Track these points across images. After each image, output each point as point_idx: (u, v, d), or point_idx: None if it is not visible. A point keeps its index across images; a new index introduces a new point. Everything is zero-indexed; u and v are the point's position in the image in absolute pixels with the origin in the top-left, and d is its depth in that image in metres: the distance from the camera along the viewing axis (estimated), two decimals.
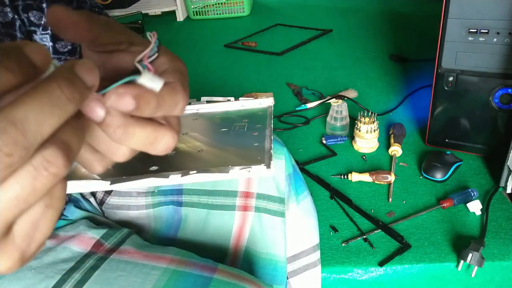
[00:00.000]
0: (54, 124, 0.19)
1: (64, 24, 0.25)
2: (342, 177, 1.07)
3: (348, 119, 1.26)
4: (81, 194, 0.67)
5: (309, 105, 1.44)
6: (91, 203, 0.66)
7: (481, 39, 0.97)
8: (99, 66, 0.28)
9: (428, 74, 1.33)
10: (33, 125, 0.18)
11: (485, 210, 0.92)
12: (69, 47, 0.58)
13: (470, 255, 0.79)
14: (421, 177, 1.06)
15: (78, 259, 0.49)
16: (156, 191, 0.64)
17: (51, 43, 0.57)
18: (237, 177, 0.39)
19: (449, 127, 1.11)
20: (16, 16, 0.52)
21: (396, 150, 1.13)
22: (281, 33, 2.33)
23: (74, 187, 0.40)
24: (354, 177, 1.05)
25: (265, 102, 0.62)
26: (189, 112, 0.66)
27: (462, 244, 0.84)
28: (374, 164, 1.13)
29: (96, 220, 0.63)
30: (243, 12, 2.71)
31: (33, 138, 0.19)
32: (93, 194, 0.65)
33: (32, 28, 0.55)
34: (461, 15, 0.97)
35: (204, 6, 2.69)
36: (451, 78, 1.04)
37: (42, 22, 0.55)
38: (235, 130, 0.55)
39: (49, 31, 0.56)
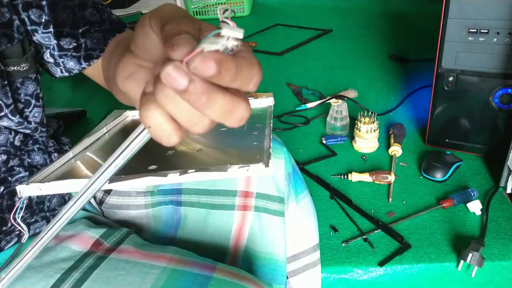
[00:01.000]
0: None
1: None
2: (342, 177, 1.07)
3: (348, 119, 1.26)
4: None
5: (309, 105, 1.44)
6: (90, 202, 0.66)
7: (481, 39, 0.97)
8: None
9: (428, 74, 1.33)
10: None
11: (485, 210, 0.92)
12: (74, 44, 0.57)
13: (470, 255, 0.79)
14: (421, 177, 1.06)
15: (77, 258, 0.49)
16: (155, 190, 0.64)
17: (55, 41, 0.56)
18: (235, 175, 0.39)
19: (449, 127, 1.10)
20: (14, 17, 0.51)
21: (396, 150, 1.13)
22: (281, 33, 2.33)
23: (74, 187, 0.40)
24: (354, 177, 1.05)
25: (265, 102, 0.62)
26: None
27: (462, 244, 0.84)
28: (374, 164, 1.13)
29: (95, 220, 0.62)
30: (243, 12, 2.71)
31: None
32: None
33: (33, 27, 0.54)
34: (461, 15, 0.97)
35: (204, 6, 2.69)
36: (451, 78, 1.04)
37: (43, 20, 0.54)
38: (234, 130, 0.55)
39: (51, 29, 0.55)
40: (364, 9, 2.66)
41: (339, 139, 1.23)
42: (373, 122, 1.14)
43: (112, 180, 0.36)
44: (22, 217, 0.55)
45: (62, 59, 0.58)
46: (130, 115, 0.64)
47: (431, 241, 0.87)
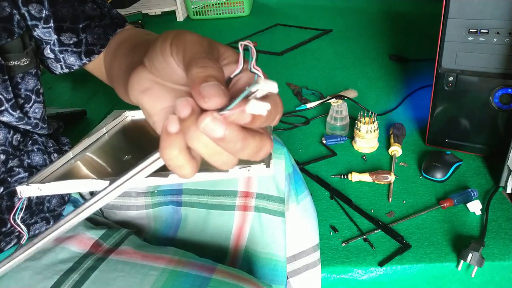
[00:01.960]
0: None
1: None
2: (342, 177, 1.07)
3: (348, 119, 1.26)
4: (80, 195, 0.67)
5: (309, 105, 1.44)
6: None
7: (481, 39, 0.97)
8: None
9: (428, 74, 1.33)
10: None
11: (485, 210, 0.92)
12: (74, 39, 0.57)
13: (470, 255, 0.79)
14: (421, 177, 1.06)
15: (76, 259, 0.49)
16: (155, 191, 0.64)
17: (55, 36, 0.56)
18: (236, 176, 0.39)
19: (449, 127, 1.10)
20: (14, 11, 0.50)
21: (396, 150, 1.13)
22: (281, 33, 2.33)
23: (74, 187, 0.40)
24: (354, 177, 1.05)
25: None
26: None
27: (462, 244, 0.84)
28: (374, 164, 1.13)
29: (95, 221, 0.62)
30: (243, 12, 2.70)
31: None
32: (93, 194, 0.65)
33: (34, 22, 0.54)
34: (461, 15, 0.97)
35: (204, 6, 2.69)
36: (451, 78, 1.04)
37: (43, 15, 0.54)
38: None
39: (51, 24, 0.55)
40: (364, 9, 2.66)
41: (339, 139, 1.23)
42: (373, 122, 1.14)
43: (112, 181, 0.36)
44: (21, 218, 0.55)
45: (62, 55, 0.58)
46: (130, 115, 0.64)
47: (431, 241, 0.87)
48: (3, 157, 0.53)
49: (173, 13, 2.77)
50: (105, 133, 0.58)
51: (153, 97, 0.32)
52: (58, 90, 1.85)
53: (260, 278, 0.60)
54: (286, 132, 1.32)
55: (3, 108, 0.51)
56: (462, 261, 0.80)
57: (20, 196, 0.38)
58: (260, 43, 2.14)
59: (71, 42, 0.56)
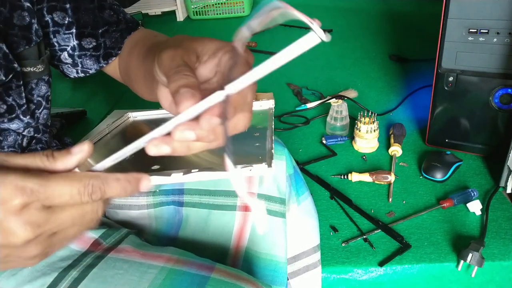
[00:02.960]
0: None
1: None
2: (342, 177, 1.07)
3: (348, 119, 1.26)
4: None
5: (309, 105, 1.44)
6: None
7: (481, 39, 0.97)
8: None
9: (428, 74, 1.33)
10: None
11: (485, 210, 0.92)
12: (94, 43, 0.61)
13: (470, 255, 0.79)
14: (421, 177, 1.06)
15: (75, 257, 0.49)
16: (157, 190, 0.64)
17: (76, 41, 0.60)
18: (238, 175, 0.39)
19: (449, 127, 1.11)
20: (33, 21, 0.53)
21: (396, 150, 1.13)
22: (281, 33, 2.33)
23: None
24: (354, 177, 1.06)
25: (266, 104, 0.62)
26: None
27: (462, 244, 0.85)
28: (374, 164, 1.13)
29: None
30: (243, 12, 2.71)
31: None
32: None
33: (56, 28, 0.58)
34: (461, 15, 0.97)
35: (204, 6, 2.69)
36: (451, 78, 1.04)
37: (66, 22, 0.58)
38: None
39: (73, 30, 0.59)
40: (364, 9, 2.66)
41: (339, 139, 1.23)
42: (373, 122, 1.14)
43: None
44: None
45: (80, 59, 0.62)
46: (132, 117, 0.65)
47: (431, 241, 0.87)
48: None
49: (173, 13, 2.77)
50: (107, 134, 0.58)
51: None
52: (58, 90, 1.85)
53: (260, 279, 0.60)
54: (286, 132, 1.32)
55: (14, 114, 0.53)
56: (462, 261, 0.80)
57: None
58: (260, 43, 2.14)
59: (90, 46, 0.61)
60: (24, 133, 0.55)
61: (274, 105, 0.61)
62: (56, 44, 0.60)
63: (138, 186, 0.33)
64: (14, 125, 0.53)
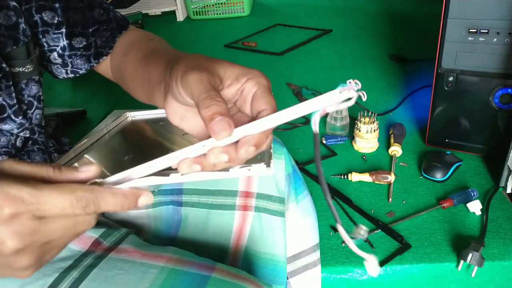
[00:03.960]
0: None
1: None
2: (342, 177, 1.07)
3: (348, 119, 1.26)
4: None
5: None
6: None
7: (481, 39, 0.97)
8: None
9: (428, 74, 1.33)
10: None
11: (485, 210, 0.92)
12: (84, 43, 0.61)
13: (470, 255, 0.79)
14: (421, 177, 1.06)
15: (76, 257, 0.49)
16: (156, 190, 0.64)
17: (66, 41, 0.59)
18: (237, 175, 0.39)
19: (449, 127, 1.11)
20: (20, 20, 0.53)
21: (396, 150, 1.13)
22: (281, 33, 2.33)
23: None
24: (354, 177, 1.05)
25: None
26: None
27: (462, 244, 0.84)
28: (374, 164, 1.13)
29: None
30: (243, 12, 2.71)
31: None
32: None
33: (45, 28, 0.57)
34: (461, 15, 0.97)
35: (204, 6, 2.69)
36: (451, 78, 1.04)
37: (55, 21, 0.58)
38: None
39: (63, 30, 0.58)
40: (364, 9, 2.66)
41: (339, 139, 1.23)
42: (373, 122, 1.14)
43: (115, 182, 0.36)
44: None
45: (71, 59, 0.61)
46: (130, 116, 0.64)
47: (431, 241, 0.87)
48: (5, 157, 0.53)
49: (173, 13, 2.77)
50: (105, 134, 0.58)
51: (189, 121, 0.41)
52: (58, 90, 1.86)
53: (260, 278, 0.60)
54: (286, 132, 1.32)
55: (5, 115, 0.52)
56: (462, 261, 0.80)
57: None
58: (260, 43, 2.14)
59: (81, 46, 0.61)
60: (19, 135, 0.55)
61: None
62: (45, 44, 0.59)
63: (136, 202, 0.33)
64: (6, 126, 0.53)
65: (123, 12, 2.61)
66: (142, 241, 0.56)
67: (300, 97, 1.51)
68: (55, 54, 0.60)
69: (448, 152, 1.07)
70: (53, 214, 0.30)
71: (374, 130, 1.15)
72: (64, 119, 1.36)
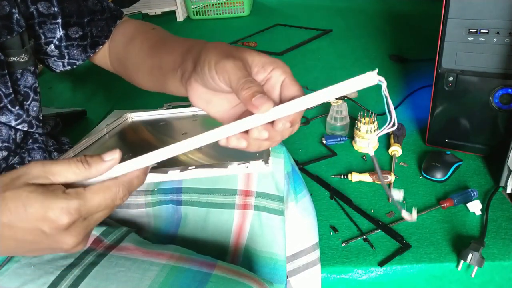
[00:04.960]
0: None
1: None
2: (342, 177, 1.07)
3: (348, 119, 1.26)
4: None
5: None
6: None
7: (481, 39, 0.97)
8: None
9: (428, 74, 1.33)
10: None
11: (485, 210, 0.92)
12: (80, 33, 0.62)
13: (470, 255, 0.79)
14: (421, 177, 1.06)
15: (77, 255, 0.49)
16: (155, 189, 0.64)
17: (63, 31, 0.60)
18: (235, 172, 0.39)
19: (449, 127, 1.10)
20: (14, 10, 0.53)
21: (396, 150, 1.13)
22: (281, 33, 2.33)
23: None
24: (354, 177, 1.05)
25: None
26: (189, 113, 0.66)
27: (462, 244, 0.84)
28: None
29: None
30: (243, 12, 2.71)
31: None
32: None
33: (41, 19, 0.58)
34: (461, 15, 0.97)
35: (204, 6, 2.69)
36: (451, 78, 1.04)
37: (51, 12, 0.58)
38: None
39: (59, 20, 0.59)
40: (364, 9, 2.66)
41: (339, 139, 1.23)
42: (373, 122, 1.14)
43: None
44: None
45: (67, 50, 0.62)
46: (131, 117, 0.65)
47: (431, 241, 0.87)
48: (5, 153, 0.53)
49: (173, 13, 2.77)
50: (105, 134, 0.58)
51: (215, 104, 0.44)
52: (58, 90, 1.86)
53: (260, 277, 0.60)
54: None
55: (2, 104, 0.52)
56: (462, 261, 0.80)
57: None
58: (260, 43, 2.14)
59: (77, 36, 0.62)
60: (18, 128, 0.55)
61: None
62: (42, 36, 0.60)
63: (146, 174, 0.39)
64: (4, 118, 0.53)
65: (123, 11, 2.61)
66: (143, 240, 0.56)
67: None
68: (51, 46, 0.61)
69: (448, 152, 1.07)
70: (99, 210, 0.36)
71: (374, 130, 1.15)
72: (64, 119, 1.36)
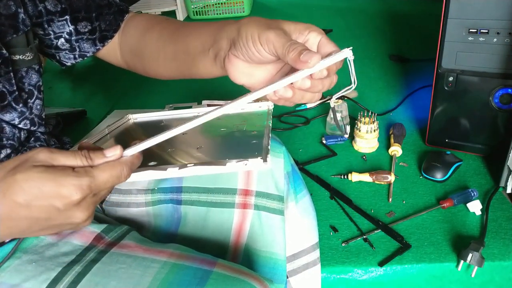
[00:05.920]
0: None
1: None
2: (342, 177, 1.07)
3: (348, 119, 1.26)
4: None
5: (309, 105, 1.44)
6: None
7: (481, 39, 0.97)
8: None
9: (428, 74, 1.33)
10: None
11: (485, 210, 0.92)
12: (89, 27, 0.63)
13: (470, 255, 0.79)
14: (421, 177, 1.06)
15: (78, 252, 0.50)
16: (155, 188, 0.64)
17: (72, 26, 0.62)
18: (234, 170, 0.39)
19: (449, 127, 1.11)
20: (19, 10, 0.54)
21: (396, 150, 1.13)
22: None
23: None
24: (354, 177, 1.05)
25: (265, 105, 0.62)
26: (189, 114, 0.66)
27: (462, 244, 0.84)
28: (374, 164, 1.13)
29: (96, 217, 0.63)
30: (243, 12, 2.71)
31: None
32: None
33: (50, 16, 0.59)
34: (461, 15, 0.97)
35: (204, 6, 2.69)
36: (451, 78, 1.04)
37: (59, 9, 0.60)
38: (234, 129, 0.55)
39: (67, 16, 0.61)
40: (364, 9, 2.66)
41: (339, 139, 1.23)
42: (373, 122, 1.14)
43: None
44: None
45: (78, 43, 0.64)
46: (132, 118, 0.65)
47: (431, 241, 0.87)
48: (9, 151, 0.54)
49: (173, 13, 2.77)
50: (107, 134, 0.58)
51: (256, 77, 0.49)
52: (58, 90, 1.86)
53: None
54: (286, 132, 1.32)
55: (6, 102, 0.52)
56: (462, 261, 0.80)
57: None
58: None
59: (86, 30, 0.63)
60: (20, 126, 0.55)
61: (273, 106, 0.61)
62: (51, 32, 0.61)
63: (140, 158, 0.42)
64: (7, 116, 0.53)
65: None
66: (143, 238, 0.56)
67: None
68: (62, 40, 0.62)
69: (448, 152, 1.07)
70: (106, 187, 0.39)
71: (374, 130, 1.15)
72: (64, 119, 1.36)
